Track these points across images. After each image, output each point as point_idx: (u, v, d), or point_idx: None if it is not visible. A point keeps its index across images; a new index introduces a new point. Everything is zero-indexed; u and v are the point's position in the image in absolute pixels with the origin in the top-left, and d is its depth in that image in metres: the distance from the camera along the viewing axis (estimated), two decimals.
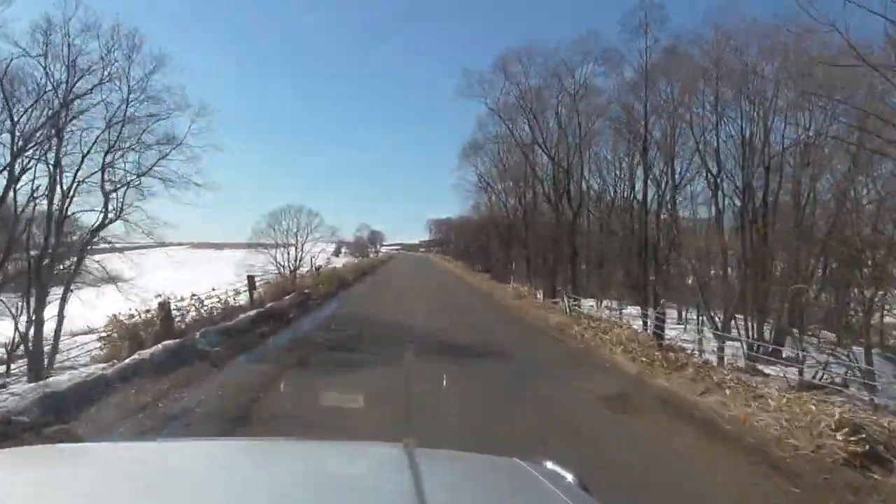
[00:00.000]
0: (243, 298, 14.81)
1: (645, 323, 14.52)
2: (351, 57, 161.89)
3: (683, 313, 22.88)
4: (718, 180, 20.21)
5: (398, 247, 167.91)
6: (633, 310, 21.95)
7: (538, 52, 27.93)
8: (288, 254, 43.98)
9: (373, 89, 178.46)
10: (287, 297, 15.91)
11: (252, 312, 12.35)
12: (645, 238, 22.70)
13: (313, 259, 43.66)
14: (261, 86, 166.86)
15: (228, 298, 13.11)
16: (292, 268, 42.09)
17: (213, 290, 13.05)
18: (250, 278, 13.66)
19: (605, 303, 24.83)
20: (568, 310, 13.14)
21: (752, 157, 18.72)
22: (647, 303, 19.53)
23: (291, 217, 45.51)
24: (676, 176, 23.12)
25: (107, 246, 21.38)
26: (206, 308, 11.60)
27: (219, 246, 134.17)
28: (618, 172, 29.16)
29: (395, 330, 11.45)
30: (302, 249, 44.39)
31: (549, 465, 1.40)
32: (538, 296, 21.53)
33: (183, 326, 9.93)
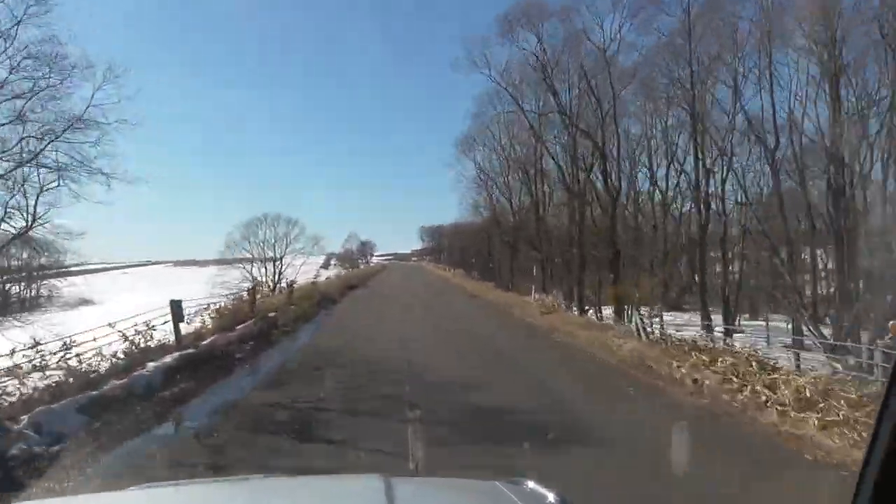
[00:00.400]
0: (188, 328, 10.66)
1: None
2: (334, 58, 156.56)
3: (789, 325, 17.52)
4: (799, 159, 16.04)
5: (390, 257, 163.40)
6: (706, 325, 17.57)
7: (550, 12, 23.38)
8: (265, 268, 39.65)
9: (357, 97, 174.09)
10: (240, 327, 11.66)
11: (169, 359, 8.11)
12: (701, 234, 18.52)
13: (296, 273, 39.52)
14: (240, 91, 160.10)
15: (144, 336, 8.79)
16: (272, 284, 37.87)
17: (138, 317, 8.82)
18: (174, 306, 9.31)
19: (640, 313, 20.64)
20: (641, 333, 8.99)
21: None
22: (710, 312, 15.53)
23: (269, 226, 41.11)
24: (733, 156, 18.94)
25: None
26: (94, 358, 7.31)
27: (202, 263, 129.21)
28: (655, 154, 24.59)
29: (389, 380, 7.34)
30: (282, 262, 40.07)
31: (531, 485, 1.35)
32: (570, 309, 17.31)
33: (14, 402, 5.64)
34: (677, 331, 11.41)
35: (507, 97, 26.11)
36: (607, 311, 19.01)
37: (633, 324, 9.68)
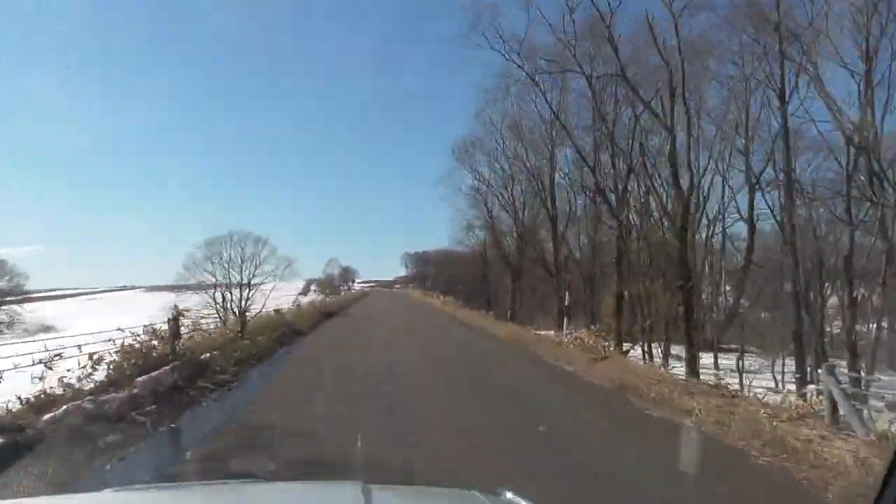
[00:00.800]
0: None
1: None
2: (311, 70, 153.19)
3: None
4: None
5: (373, 284, 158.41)
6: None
7: None
8: (230, 294, 35.02)
9: (338, 119, 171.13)
10: (143, 379, 7.54)
11: None
12: (794, 255, 14.45)
13: (265, 299, 35.00)
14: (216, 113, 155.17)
15: None
16: (237, 311, 33.44)
17: None
18: None
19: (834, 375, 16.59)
20: (857, 424, 4.88)
21: None
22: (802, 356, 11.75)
23: (234, 246, 36.71)
24: None
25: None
26: None
27: (176, 288, 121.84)
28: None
29: None
30: (249, 287, 35.49)
31: (509, 495, 1.34)
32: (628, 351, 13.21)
33: None
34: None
35: (518, 86, 22.84)
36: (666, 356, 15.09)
37: (824, 395, 5.57)
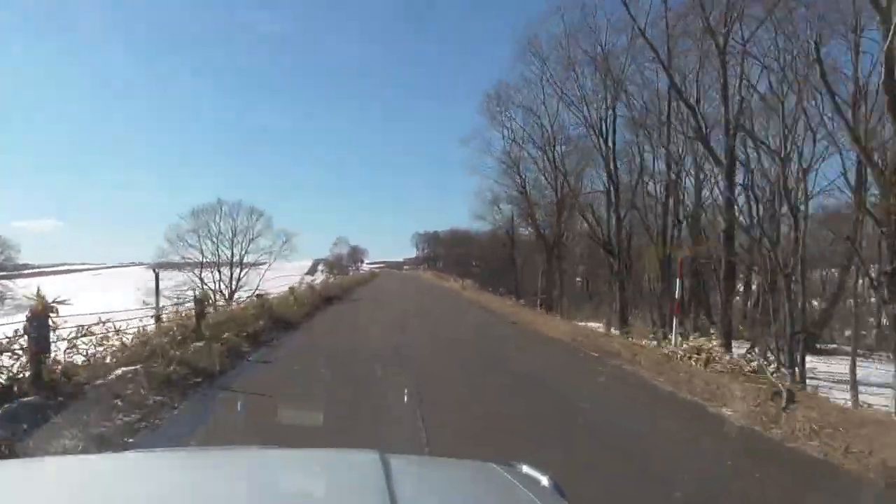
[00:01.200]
0: None
1: None
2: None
3: None
4: None
5: (381, 265, 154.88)
6: None
7: None
8: (218, 273, 31.15)
9: (347, 98, 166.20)
10: None
11: None
12: None
13: (260, 280, 31.17)
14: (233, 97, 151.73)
15: None
16: (228, 293, 29.70)
17: None
18: None
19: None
20: None
21: None
22: None
23: (223, 217, 32.64)
24: None
25: None
26: None
27: (182, 266, 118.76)
28: None
29: None
30: (241, 265, 31.67)
31: (525, 468, 1.36)
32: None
33: None
34: None
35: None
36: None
37: None
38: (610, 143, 19.28)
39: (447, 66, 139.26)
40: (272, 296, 15.27)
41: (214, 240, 29.66)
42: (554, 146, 24.24)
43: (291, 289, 17.88)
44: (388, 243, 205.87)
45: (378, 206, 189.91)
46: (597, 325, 18.04)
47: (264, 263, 36.22)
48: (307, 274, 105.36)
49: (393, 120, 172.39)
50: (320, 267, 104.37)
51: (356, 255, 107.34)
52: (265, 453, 1.53)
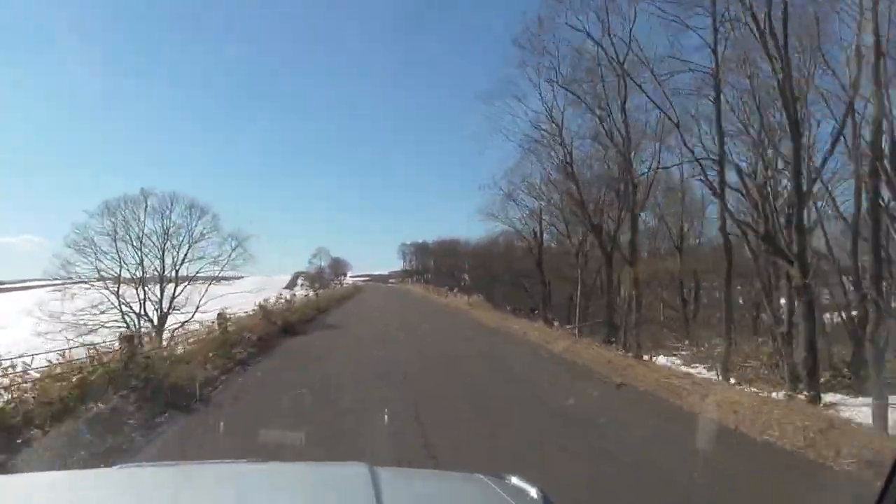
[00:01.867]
0: None
1: None
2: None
3: None
4: None
5: (366, 278, 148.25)
6: None
7: None
8: (142, 291, 23.68)
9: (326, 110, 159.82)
10: None
11: None
12: None
13: (201, 300, 24.43)
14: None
15: None
16: (157, 319, 22.69)
17: None
18: None
19: None
20: None
21: None
22: None
23: (147, 215, 24.39)
24: None
25: None
26: None
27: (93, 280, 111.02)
28: None
29: None
30: (176, 281, 24.55)
31: (514, 480, 1.34)
32: None
33: None
34: None
35: None
36: None
37: None
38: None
39: (438, 63, 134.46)
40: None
41: (137, 243, 22.22)
42: (625, 99, 17.61)
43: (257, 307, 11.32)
44: (373, 255, 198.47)
45: (362, 218, 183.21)
46: (706, 373, 11.94)
47: (234, 277, 29.25)
48: (286, 288, 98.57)
49: (379, 124, 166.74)
50: (300, 280, 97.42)
51: (339, 267, 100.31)
52: (253, 468, 1.54)
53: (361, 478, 1.20)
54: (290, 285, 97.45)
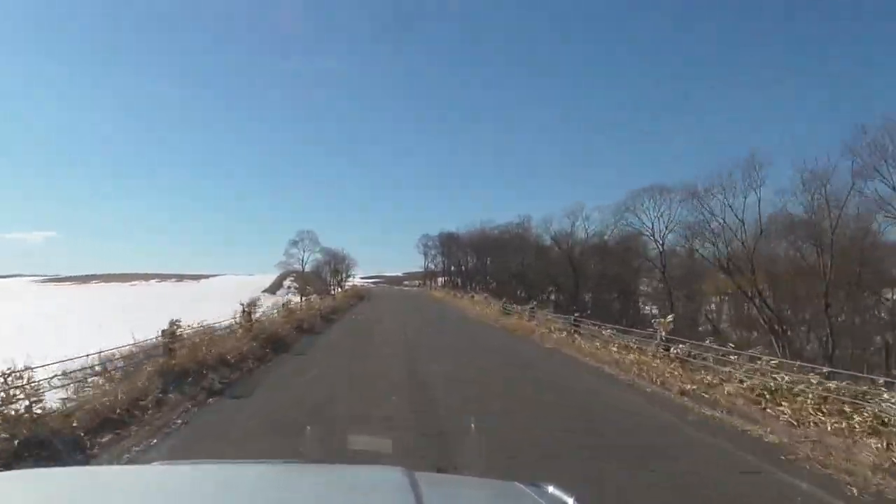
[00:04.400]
0: None
1: None
2: None
3: None
4: None
5: (377, 279, 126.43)
6: None
7: None
8: None
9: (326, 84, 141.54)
10: None
11: None
12: None
13: None
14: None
15: None
16: None
17: None
18: None
19: None
20: None
21: None
22: None
23: None
24: None
25: None
26: None
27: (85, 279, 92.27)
28: None
29: None
30: None
31: (551, 489, 1.34)
32: None
33: None
34: None
35: None
36: None
37: None
38: None
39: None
40: None
41: None
42: None
43: None
44: (385, 253, 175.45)
45: (370, 210, 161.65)
46: None
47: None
48: (267, 291, 76.04)
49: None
50: (288, 282, 75.56)
51: (340, 263, 77.11)
52: (290, 468, 1.55)
53: (398, 483, 1.21)
54: (274, 287, 75.54)
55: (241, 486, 1.31)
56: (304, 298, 31.60)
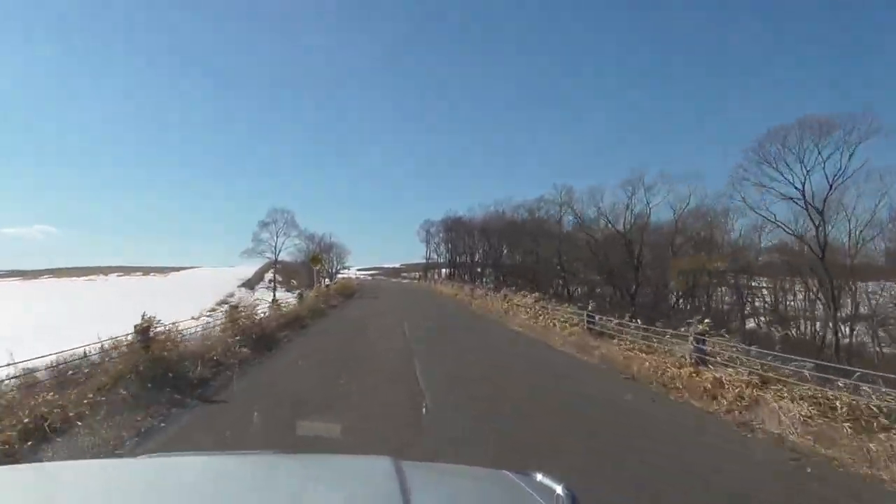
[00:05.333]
0: None
1: None
2: None
3: None
4: None
5: (373, 271, 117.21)
6: None
7: None
8: None
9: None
10: None
11: None
12: None
13: None
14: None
15: None
16: None
17: None
18: None
19: None
20: None
21: None
22: None
23: None
24: None
25: None
26: None
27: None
28: None
29: None
30: None
31: (539, 477, 1.31)
32: None
33: None
34: None
35: None
36: None
37: None
38: None
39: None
40: None
41: None
42: None
43: None
44: (383, 245, 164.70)
45: (367, 200, 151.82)
46: None
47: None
48: (243, 286, 65.76)
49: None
50: (269, 276, 65.21)
51: (331, 251, 66.83)
52: (279, 459, 1.52)
53: (386, 472, 1.20)
54: (252, 283, 65.05)
55: (229, 477, 1.29)
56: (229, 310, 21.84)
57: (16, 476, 1.30)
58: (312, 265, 30.03)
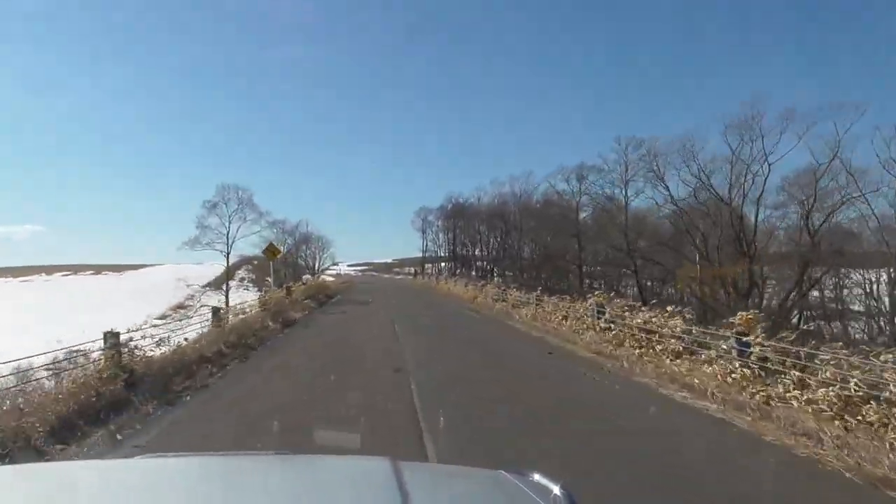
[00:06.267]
0: None
1: None
2: None
3: None
4: None
5: (364, 267, 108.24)
6: None
7: None
8: None
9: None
10: None
11: None
12: None
13: None
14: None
15: None
16: None
17: None
18: None
19: None
20: None
21: None
22: None
23: None
24: None
25: None
26: None
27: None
28: None
29: None
30: None
31: (536, 476, 1.30)
32: None
33: None
34: None
35: None
36: None
37: None
38: None
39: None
40: None
41: None
42: None
43: None
44: (373, 240, 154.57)
45: (355, 193, 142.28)
46: None
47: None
48: (207, 286, 55.81)
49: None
50: (242, 272, 55.53)
51: (310, 245, 57.10)
52: (277, 460, 1.51)
53: (384, 473, 1.20)
54: (219, 282, 54.08)
55: (227, 478, 1.28)
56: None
57: (16, 476, 1.29)
58: (268, 258, 20.69)
